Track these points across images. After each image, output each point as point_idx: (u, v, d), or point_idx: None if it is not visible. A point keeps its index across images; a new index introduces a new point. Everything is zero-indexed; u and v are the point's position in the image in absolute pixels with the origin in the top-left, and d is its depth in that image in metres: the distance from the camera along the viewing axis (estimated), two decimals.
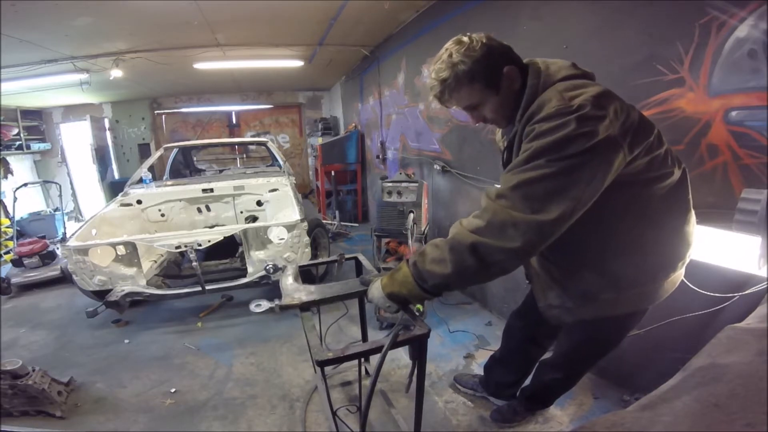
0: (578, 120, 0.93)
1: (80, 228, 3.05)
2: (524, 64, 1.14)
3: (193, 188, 3.95)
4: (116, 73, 4.24)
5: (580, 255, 1.19)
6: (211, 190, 3.93)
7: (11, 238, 4.69)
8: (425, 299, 1.15)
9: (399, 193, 2.83)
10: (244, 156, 7.87)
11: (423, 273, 1.07)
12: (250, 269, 2.97)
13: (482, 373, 2.05)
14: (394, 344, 1.22)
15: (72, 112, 7.04)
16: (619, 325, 1.38)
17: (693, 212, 1.21)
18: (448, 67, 1.07)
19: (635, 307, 1.29)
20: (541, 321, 1.55)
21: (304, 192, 7.71)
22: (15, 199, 4.77)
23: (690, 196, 1.19)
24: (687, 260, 1.25)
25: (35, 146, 6.76)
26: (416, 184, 2.83)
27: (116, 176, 7.32)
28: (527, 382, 1.83)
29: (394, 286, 1.14)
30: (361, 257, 1.98)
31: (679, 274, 1.28)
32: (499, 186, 1.02)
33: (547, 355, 1.76)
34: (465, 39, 1.08)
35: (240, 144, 7.31)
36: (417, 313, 1.31)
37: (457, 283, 1.07)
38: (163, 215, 3.88)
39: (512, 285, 2.64)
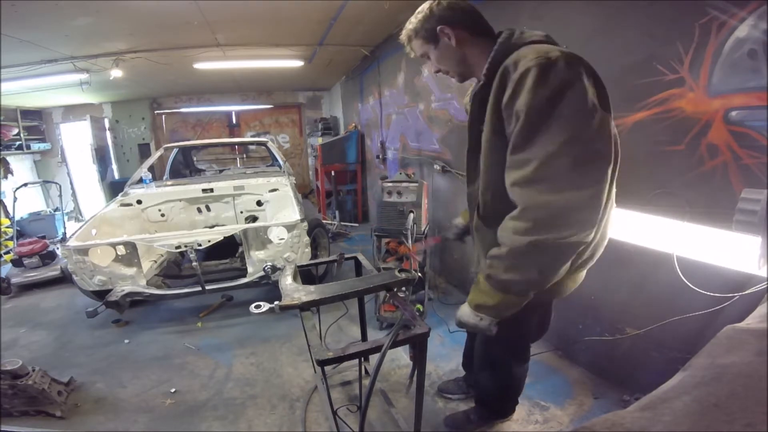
0: (558, 70, 0.94)
1: (80, 228, 3.05)
2: (483, 29, 1.23)
3: (193, 188, 3.94)
4: (116, 73, 4.23)
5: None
6: (211, 190, 3.92)
7: (11, 238, 4.69)
8: (519, 303, 1.11)
9: (399, 193, 2.83)
10: (244, 156, 7.85)
11: (504, 283, 1.07)
12: (250, 269, 2.96)
13: (463, 373, 2.09)
14: (394, 343, 1.22)
15: (72, 112, 7.04)
16: (517, 314, 1.28)
17: (612, 208, 1.21)
18: (407, 25, 1.30)
19: (536, 298, 1.19)
20: None
21: (304, 192, 7.70)
22: (15, 199, 4.76)
23: (612, 192, 1.17)
24: (593, 261, 1.26)
25: (35, 146, 6.75)
26: (416, 184, 2.82)
27: (116, 176, 7.31)
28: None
29: (479, 298, 1.14)
30: (361, 257, 1.98)
31: (583, 274, 1.31)
32: (519, 170, 0.99)
33: None
34: (425, 8, 1.25)
35: (240, 144, 7.29)
36: (417, 313, 1.31)
37: (544, 281, 1.06)
38: (163, 215, 3.88)
39: None
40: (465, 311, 1.18)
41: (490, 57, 1.13)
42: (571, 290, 1.32)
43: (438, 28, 1.21)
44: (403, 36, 1.32)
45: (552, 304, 1.56)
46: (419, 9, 1.27)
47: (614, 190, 1.22)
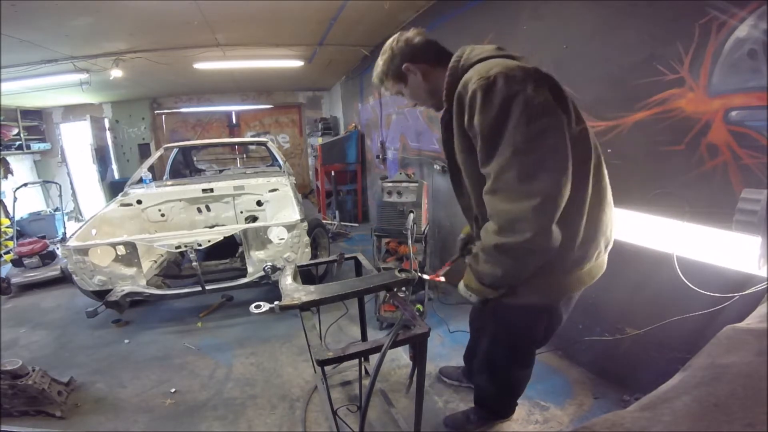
0: (498, 89, 1.00)
1: (80, 228, 3.05)
2: (443, 56, 1.27)
3: (193, 188, 3.95)
4: (116, 73, 4.24)
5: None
6: (211, 190, 3.93)
7: (11, 238, 4.69)
8: (491, 295, 1.25)
9: (399, 193, 2.83)
10: (244, 156, 7.86)
11: (479, 273, 1.21)
12: (250, 269, 2.96)
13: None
14: (394, 343, 1.22)
15: (72, 112, 7.04)
16: (523, 317, 1.40)
17: (611, 203, 1.26)
18: (376, 68, 1.38)
19: (539, 300, 1.30)
20: None
21: (304, 192, 7.71)
22: (15, 199, 4.77)
23: (606, 183, 1.24)
24: (604, 251, 1.30)
25: (35, 146, 6.75)
26: (416, 184, 2.82)
27: (116, 176, 7.31)
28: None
29: (468, 279, 1.28)
30: (361, 257, 1.98)
31: (599, 263, 1.31)
32: (486, 181, 1.10)
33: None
34: (387, 48, 1.32)
35: (240, 144, 7.30)
36: (417, 313, 1.32)
37: (508, 279, 1.18)
38: (163, 215, 3.88)
39: None
40: (461, 286, 1.34)
41: (445, 84, 1.20)
42: (577, 290, 1.30)
43: (403, 66, 1.29)
44: (375, 79, 1.40)
45: (560, 308, 1.50)
46: (383, 49, 1.35)
47: (608, 189, 1.24)
